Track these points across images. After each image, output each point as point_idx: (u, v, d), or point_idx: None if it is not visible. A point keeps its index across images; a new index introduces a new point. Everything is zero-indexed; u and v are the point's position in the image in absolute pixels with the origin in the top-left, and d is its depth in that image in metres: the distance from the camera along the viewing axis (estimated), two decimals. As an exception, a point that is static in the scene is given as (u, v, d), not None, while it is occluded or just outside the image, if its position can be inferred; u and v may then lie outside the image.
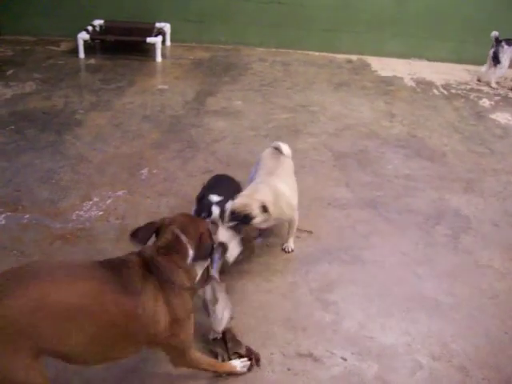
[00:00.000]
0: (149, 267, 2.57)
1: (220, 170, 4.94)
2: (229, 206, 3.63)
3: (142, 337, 2.55)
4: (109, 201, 4.59)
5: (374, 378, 3.17)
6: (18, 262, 3.72)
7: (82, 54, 8.35)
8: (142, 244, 2.66)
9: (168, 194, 4.77)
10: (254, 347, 3.21)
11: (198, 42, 9.41)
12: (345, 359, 3.27)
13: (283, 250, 4.16)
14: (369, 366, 3.24)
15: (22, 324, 2.19)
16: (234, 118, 6.52)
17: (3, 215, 4.32)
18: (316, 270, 3.90)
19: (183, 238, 2.65)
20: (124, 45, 8.60)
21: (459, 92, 8.14)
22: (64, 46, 8.78)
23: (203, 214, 3.64)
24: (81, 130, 5.93)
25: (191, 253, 2.65)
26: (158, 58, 8.45)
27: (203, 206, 3.70)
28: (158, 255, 2.60)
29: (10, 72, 7.54)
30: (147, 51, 8.59)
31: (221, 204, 3.69)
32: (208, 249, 2.75)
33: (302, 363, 3.22)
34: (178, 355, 2.79)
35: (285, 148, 4.33)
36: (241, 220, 3.60)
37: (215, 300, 3.13)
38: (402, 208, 4.88)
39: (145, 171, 5.11)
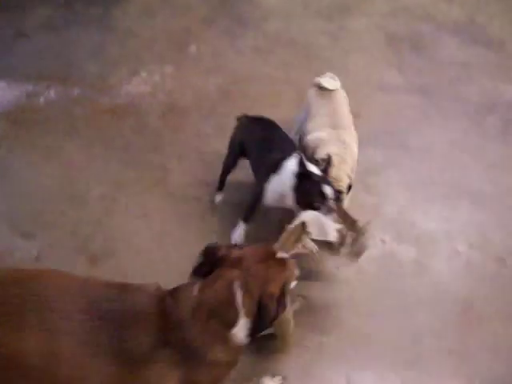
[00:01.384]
0: (170, 322, 1.88)
1: (269, 48, 4.77)
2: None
3: None
4: (157, 77, 4.53)
5: (412, 261, 3.21)
6: (67, 134, 3.79)
7: None
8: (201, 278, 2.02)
9: (216, 71, 4.65)
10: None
11: None
12: (384, 242, 3.30)
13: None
14: (407, 250, 3.27)
15: None
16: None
17: (52, 89, 4.32)
18: (361, 153, 3.84)
19: (239, 299, 1.88)
20: None
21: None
22: None
23: (316, 203, 2.71)
24: (128, 3, 5.75)
25: (242, 323, 1.90)
26: None
27: (307, 188, 2.76)
28: (193, 318, 1.88)
29: None
30: None
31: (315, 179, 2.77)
32: (269, 319, 1.92)
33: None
34: None
35: (330, 82, 3.49)
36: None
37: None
38: (453, 96, 4.67)
39: (193, 47, 4.97)
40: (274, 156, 2.97)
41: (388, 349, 2.82)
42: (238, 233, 3.15)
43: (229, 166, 3.37)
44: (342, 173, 2.94)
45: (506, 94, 4.80)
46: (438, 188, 3.71)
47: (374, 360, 2.78)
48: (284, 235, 2.55)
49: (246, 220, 3.14)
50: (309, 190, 2.74)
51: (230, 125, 3.35)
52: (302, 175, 2.77)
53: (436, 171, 3.84)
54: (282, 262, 2.01)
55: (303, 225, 2.54)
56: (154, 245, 3.26)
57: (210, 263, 2.01)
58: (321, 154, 3.04)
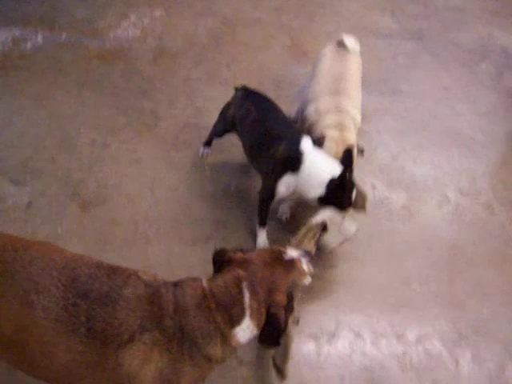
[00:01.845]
0: (168, 309, 1.81)
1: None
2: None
3: None
4: (146, 20, 4.43)
5: (402, 207, 3.22)
6: (55, 80, 3.71)
7: None
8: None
9: (206, 15, 4.55)
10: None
11: None
12: (374, 187, 3.30)
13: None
14: (397, 196, 3.28)
15: None
16: None
17: (40, 35, 4.22)
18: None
19: (246, 298, 1.83)
20: None
21: None
22: None
23: (345, 206, 2.63)
24: None
25: (246, 323, 1.84)
26: None
27: (339, 194, 2.59)
28: (199, 307, 1.82)
29: None
30: None
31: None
32: (280, 327, 1.85)
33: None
34: None
35: (351, 42, 3.33)
36: None
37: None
38: (447, 42, 4.61)
39: (182, -9, 4.84)
40: (282, 149, 2.71)
41: (377, 293, 2.86)
42: (261, 240, 3.01)
43: (216, 134, 3.28)
44: (351, 136, 2.86)
45: (500, 40, 4.75)
46: (429, 135, 3.69)
47: (363, 303, 2.81)
48: (302, 231, 2.55)
49: (263, 224, 2.99)
50: (341, 196, 2.61)
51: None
52: (338, 182, 2.58)
53: (428, 118, 3.82)
54: (290, 264, 1.96)
55: (323, 223, 2.56)
56: (145, 191, 3.24)
57: (217, 266, 1.97)
58: (322, 124, 2.92)
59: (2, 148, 3.44)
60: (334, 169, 2.57)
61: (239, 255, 1.94)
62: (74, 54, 4.06)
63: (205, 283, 1.87)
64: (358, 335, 2.70)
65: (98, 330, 1.71)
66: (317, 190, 2.62)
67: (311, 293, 2.83)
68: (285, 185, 2.73)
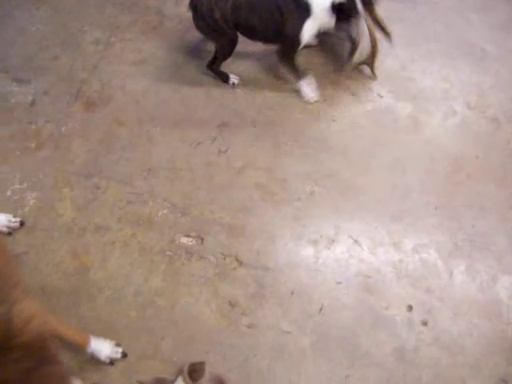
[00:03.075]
0: None
1: None
2: None
3: None
4: None
5: (408, 117, 3.12)
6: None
7: None
8: None
9: None
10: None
11: None
12: (381, 96, 3.19)
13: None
14: (404, 106, 3.17)
15: None
16: None
17: None
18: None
19: None
20: None
21: None
22: None
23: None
24: None
25: None
26: None
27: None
28: None
29: None
30: None
31: None
32: None
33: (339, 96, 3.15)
34: None
35: None
36: None
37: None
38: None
39: None
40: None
41: (377, 202, 2.82)
42: (307, 90, 3.17)
43: (226, 55, 3.17)
44: None
45: None
46: (440, 45, 3.51)
47: (363, 211, 2.79)
48: None
49: (299, 76, 3.15)
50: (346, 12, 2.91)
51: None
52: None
53: (440, 27, 3.62)
54: None
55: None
56: (150, 92, 3.15)
57: None
58: None
59: (3, 45, 3.31)
60: None
61: None
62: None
63: None
64: (356, 242, 2.68)
65: None
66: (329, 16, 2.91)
67: (312, 196, 2.80)
68: (308, 28, 2.91)
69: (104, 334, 2.29)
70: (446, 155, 3.01)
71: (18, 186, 2.81)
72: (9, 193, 2.78)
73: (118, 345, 2.29)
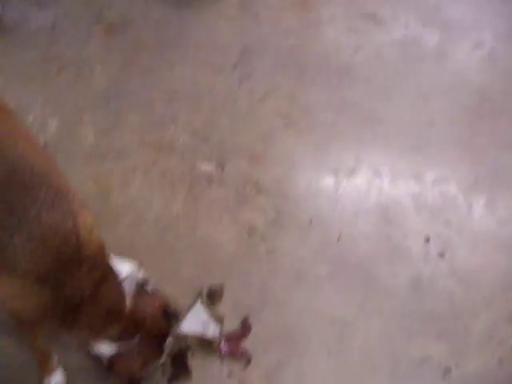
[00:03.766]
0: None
1: None
2: None
3: None
4: None
5: (434, 47, 3.01)
6: None
7: None
8: None
9: None
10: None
11: None
12: (407, 25, 3.06)
13: None
14: (430, 35, 3.05)
15: None
16: None
17: None
18: None
19: None
20: None
21: None
22: None
23: None
24: None
25: None
26: None
27: None
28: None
29: None
30: None
31: None
32: None
33: (364, 23, 3.04)
34: None
35: None
36: None
37: None
38: None
39: None
40: None
41: (399, 132, 2.75)
42: None
43: None
44: None
45: None
46: None
47: (384, 142, 2.73)
48: None
49: None
50: None
51: None
52: None
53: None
54: None
55: None
56: (171, 16, 3.04)
57: None
58: None
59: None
60: None
61: None
62: None
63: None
64: (376, 172, 2.64)
65: None
66: None
67: (334, 125, 2.74)
68: None
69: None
70: (472, 87, 2.90)
71: (39, 111, 2.76)
72: (31, 118, 2.75)
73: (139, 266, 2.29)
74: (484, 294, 2.36)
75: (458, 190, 2.61)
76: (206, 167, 2.62)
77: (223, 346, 2.16)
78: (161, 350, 1.88)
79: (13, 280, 1.47)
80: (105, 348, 1.78)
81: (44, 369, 2.08)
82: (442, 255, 2.44)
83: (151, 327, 1.80)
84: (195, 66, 2.90)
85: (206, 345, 2.16)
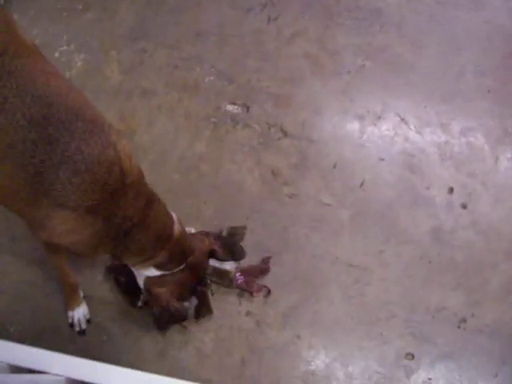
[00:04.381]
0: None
1: None
2: None
3: None
4: None
5: (470, -7, 2.82)
6: None
7: None
8: None
9: None
10: None
11: None
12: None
13: None
14: None
15: None
16: None
17: None
18: None
19: None
20: None
21: None
22: None
23: None
24: None
25: None
26: None
27: None
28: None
29: None
30: None
31: None
32: None
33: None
34: None
35: None
36: None
37: None
38: None
39: None
40: None
41: (428, 80, 2.66)
42: None
43: None
44: None
45: None
46: None
47: (413, 90, 2.64)
48: None
49: None
50: None
51: None
52: None
53: None
54: None
55: None
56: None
57: None
58: None
59: None
60: None
61: None
62: None
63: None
64: (403, 120, 2.57)
65: (44, 181, 1.46)
66: None
67: (362, 71, 2.66)
68: None
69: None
70: (505, 37, 2.77)
71: (65, 48, 2.72)
72: (57, 54, 2.71)
73: None
74: (504, 248, 2.32)
75: (485, 141, 2.53)
76: (231, 108, 2.57)
77: (239, 277, 2.19)
78: (200, 285, 1.92)
79: (65, 214, 1.48)
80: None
81: (70, 301, 2.12)
82: (464, 206, 2.39)
83: (197, 260, 1.82)
84: (223, 5, 2.81)
85: (222, 274, 2.18)
